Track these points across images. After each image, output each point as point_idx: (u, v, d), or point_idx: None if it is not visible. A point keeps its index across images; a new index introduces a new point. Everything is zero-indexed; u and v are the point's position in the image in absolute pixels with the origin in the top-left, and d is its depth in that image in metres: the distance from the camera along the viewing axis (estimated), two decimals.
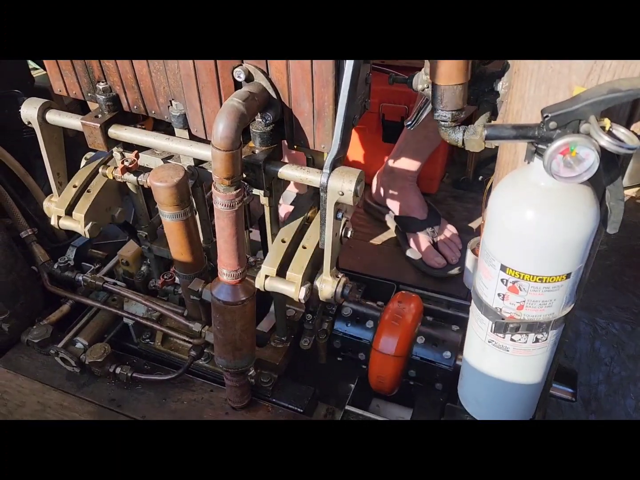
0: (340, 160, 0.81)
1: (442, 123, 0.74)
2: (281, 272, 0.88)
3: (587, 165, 0.51)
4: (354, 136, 1.59)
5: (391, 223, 1.50)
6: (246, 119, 0.75)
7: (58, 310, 1.29)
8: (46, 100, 0.97)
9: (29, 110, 0.96)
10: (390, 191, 1.48)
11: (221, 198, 0.80)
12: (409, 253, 1.42)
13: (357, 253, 1.46)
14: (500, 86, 0.73)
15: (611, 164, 0.53)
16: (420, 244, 1.41)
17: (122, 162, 0.91)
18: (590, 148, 0.50)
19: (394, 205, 1.49)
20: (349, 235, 0.88)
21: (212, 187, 0.80)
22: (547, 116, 0.53)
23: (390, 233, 1.52)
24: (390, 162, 1.45)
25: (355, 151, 1.61)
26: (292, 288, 0.87)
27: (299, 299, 0.87)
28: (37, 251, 1.27)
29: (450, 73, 0.69)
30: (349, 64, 0.73)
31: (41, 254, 1.27)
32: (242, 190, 0.82)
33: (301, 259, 0.88)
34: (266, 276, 0.89)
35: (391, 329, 1.06)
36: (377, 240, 1.52)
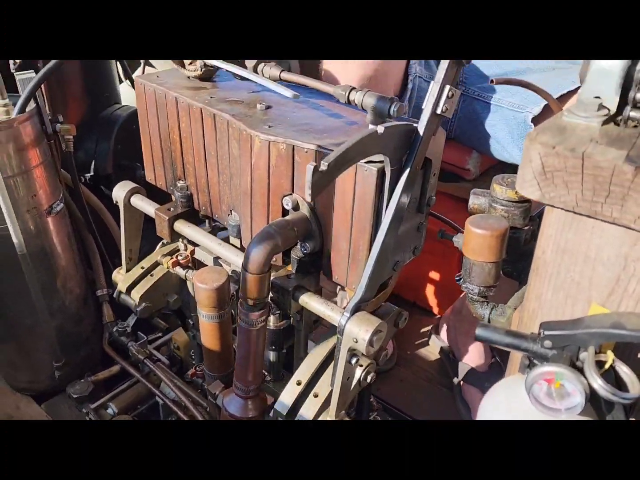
0: (368, 304, 0.79)
1: (470, 295, 0.70)
2: (292, 413, 0.85)
3: (572, 404, 0.45)
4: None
5: (449, 365, 1.41)
6: (279, 248, 0.77)
7: (108, 370, 1.36)
8: (135, 185, 1.07)
9: (118, 192, 1.07)
10: (457, 334, 1.41)
11: (244, 315, 0.81)
12: (459, 406, 1.32)
13: (406, 387, 1.38)
14: None
15: (610, 406, 0.46)
16: (473, 398, 1.30)
17: (176, 256, 0.97)
18: (577, 386, 0.44)
19: (457, 349, 1.40)
20: (368, 380, 0.84)
21: (238, 303, 0.82)
22: (543, 333, 0.48)
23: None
24: (459, 303, 1.39)
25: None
26: None
27: None
28: (105, 310, 1.37)
29: (480, 250, 0.66)
30: (386, 219, 0.72)
31: (108, 314, 1.36)
32: (267, 312, 0.83)
33: (309, 407, 0.84)
34: None
35: None
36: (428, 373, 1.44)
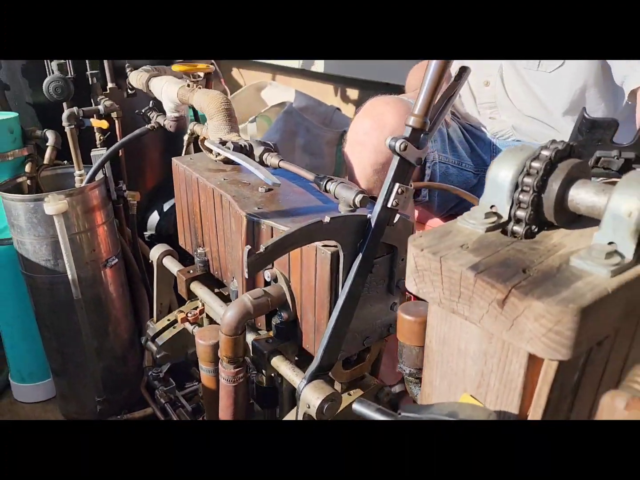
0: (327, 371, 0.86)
1: (404, 376, 0.75)
2: None
3: None
4: None
5: None
6: (250, 314, 0.88)
7: (143, 410, 1.50)
8: (168, 248, 1.24)
9: (154, 253, 1.23)
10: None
11: (223, 372, 0.91)
12: None
13: None
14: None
15: None
16: None
17: (186, 313, 1.10)
18: None
19: None
20: None
21: (219, 361, 0.92)
22: (400, 413, 0.54)
23: None
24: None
25: None
26: None
27: None
28: (147, 355, 1.53)
29: (408, 334, 0.72)
30: (340, 299, 0.80)
31: (148, 359, 1.52)
32: (243, 370, 0.92)
33: None
34: None
35: None
36: None
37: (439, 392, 0.61)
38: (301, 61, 2.66)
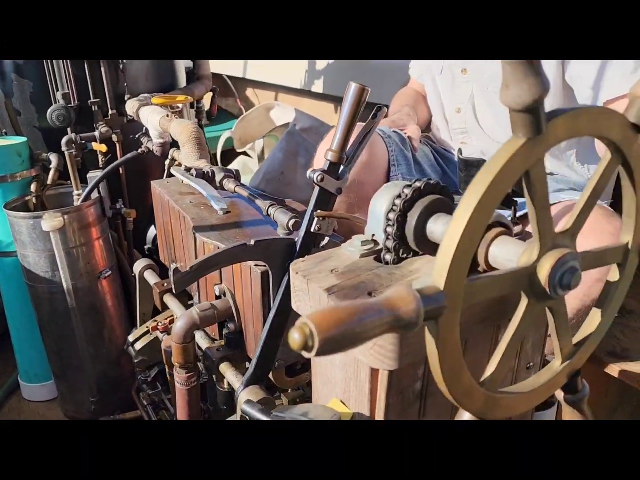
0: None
1: None
2: None
3: None
4: None
5: None
6: (197, 325, 0.98)
7: (134, 411, 1.62)
8: (150, 263, 1.35)
9: (136, 266, 1.35)
10: None
11: (176, 376, 1.02)
12: None
13: None
14: None
15: None
16: None
17: (156, 322, 1.21)
18: None
19: None
20: None
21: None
22: (272, 413, 0.63)
23: None
24: None
25: None
26: None
27: None
28: None
29: None
30: (270, 313, 0.90)
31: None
32: (195, 375, 1.03)
33: None
34: None
35: None
36: None
37: (322, 397, 0.70)
38: (303, 81, 2.78)
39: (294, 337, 0.38)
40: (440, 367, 0.47)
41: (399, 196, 0.65)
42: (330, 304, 0.59)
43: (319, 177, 0.84)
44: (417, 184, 0.65)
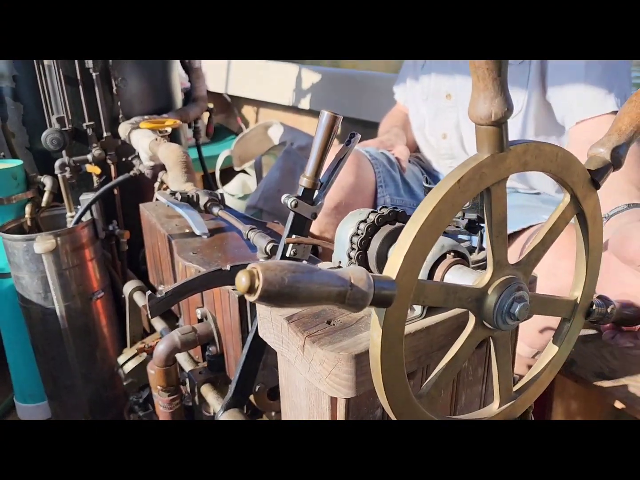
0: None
1: None
2: None
3: None
4: None
5: None
6: (178, 349, 0.99)
7: None
8: (140, 284, 1.37)
9: (126, 288, 1.37)
10: None
11: (160, 400, 1.03)
12: None
13: None
14: None
15: None
16: None
17: (143, 344, 1.22)
18: None
19: None
20: None
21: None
22: None
23: None
24: None
25: None
26: None
27: None
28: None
29: None
30: (249, 337, 0.90)
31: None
32: (178, 397, 1.03)
33: None
34: None
35: None
36: None
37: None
38: (301, 100, 2.81)
39: (241, 279, 0.37)
40: (380, 359, 0.47)
41: (364, 221, 0.66)
42: (290, 331, 0.60)
43: (293, 203, 0.85)
44: (384, 210, 0.66)
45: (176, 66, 1.98)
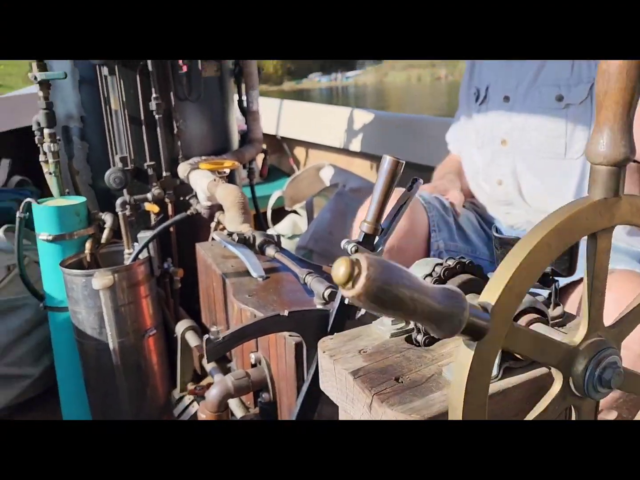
0: None
1: None
2: None
3: None
4: None
5: None
6: (232, 394, 0.97)
7: None
8: (192, 324, 1.37)
9: (178, 327, 1.37)
10: None
11: None
12: None
13: None
14: None
15: None
16: None
17: (195, 387, 1.21)
18: None
19: None
20: None
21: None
22: None
23: None
24: None
25: None
26: None
27: None
28: None
29: None
30: (305, 384, 0.88)
31: None
32: None
33: None
34: None
35: None
36: None
37: None
38: (354, 142, 2.83)
39: (339, 269, 0.35)
40: (465, 383, 0.44)
41: (429, 275, 0.63)
42: (356, 388, 0.57)
43: (353, 249, 0.83)
44: (450, 262, 0.63)
45: (234, 109, 2.04)
